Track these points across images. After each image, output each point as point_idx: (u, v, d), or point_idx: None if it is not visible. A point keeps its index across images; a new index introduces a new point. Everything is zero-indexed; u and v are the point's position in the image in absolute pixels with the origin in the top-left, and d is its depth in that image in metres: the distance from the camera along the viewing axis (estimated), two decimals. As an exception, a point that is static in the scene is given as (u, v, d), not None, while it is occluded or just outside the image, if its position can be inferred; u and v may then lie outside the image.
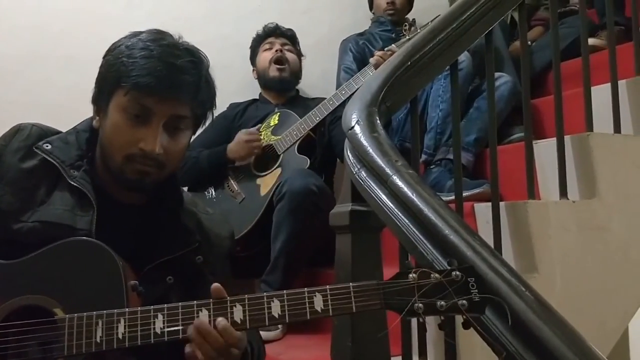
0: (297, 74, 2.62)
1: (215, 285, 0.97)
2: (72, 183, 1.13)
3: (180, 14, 2.75)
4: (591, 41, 2.23)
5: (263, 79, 2.59)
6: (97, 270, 1.02)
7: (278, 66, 2.55)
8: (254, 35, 2.68)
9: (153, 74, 1.09)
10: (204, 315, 0.96)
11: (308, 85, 2.72)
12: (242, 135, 2.33)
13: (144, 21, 2.57)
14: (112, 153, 1.13)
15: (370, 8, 2.98)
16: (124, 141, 1.11)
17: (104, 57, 1.17)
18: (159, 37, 1.14)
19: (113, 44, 1.17)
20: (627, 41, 2.19)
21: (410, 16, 2.92)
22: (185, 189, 2.16)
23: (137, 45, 1.12)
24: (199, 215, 1.27)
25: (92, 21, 2.56)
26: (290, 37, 2.65)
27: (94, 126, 1.19)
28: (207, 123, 1.26)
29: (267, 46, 2.61)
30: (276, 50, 2.57)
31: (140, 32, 1.16)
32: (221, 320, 0.95)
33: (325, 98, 2.39)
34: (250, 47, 2.69)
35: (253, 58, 2.68)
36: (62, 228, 1.08)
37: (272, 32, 2.64)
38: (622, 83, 1.89)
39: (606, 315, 1.77)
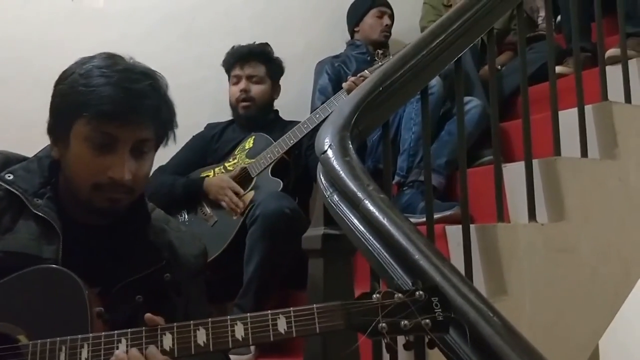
0: (265, 105, 2.52)
1: (147, 315, 0.96)
2: (37, 212, 1.12)
3: (155, 35, 2.75)
4: (558, 69, 2.28)
5: (233, 112, 2.55)
6: (61, 297, 1.02)
7: (244, 104, 2.48)
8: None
9: (114, 102, 1.08)
10: (167, 340, 0.95)
11: (283, 105, 2.71)
12: (221, 182, 2.27)
13: (117, 40, 2.61)
14: (78, 183, 1.12)
15: (353, 27, 2.98)
16: (90, 171, 1.10)
17: (55, 86, 1.15)
18: (113, 63, 1.13)
19: (63, 72, 1.16)
20: (593, 66, 2.24)
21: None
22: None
23: (93, 73, 1.10)
24: (169, 233, 1.26)
25: (66, 39, 2.55)
26: (259, 58, 2.52)
27: (54, 157, 1.17)
28: (169, 142, 1.24)
29: (234, 79, 2.52)
30: (241, 90, 2.48)
31: (92, 58, 1.15)
32: (151, 349, 0.94)
33: (300, 122, 2.40)
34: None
35: (228, 79, 2.61)
36: (28, 258, 1.07)
37: (240, 59, 2.52)
38: (588, 108, 1.93)
39: (576, 335, 1.80)
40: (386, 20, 2.88)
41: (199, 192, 2.30)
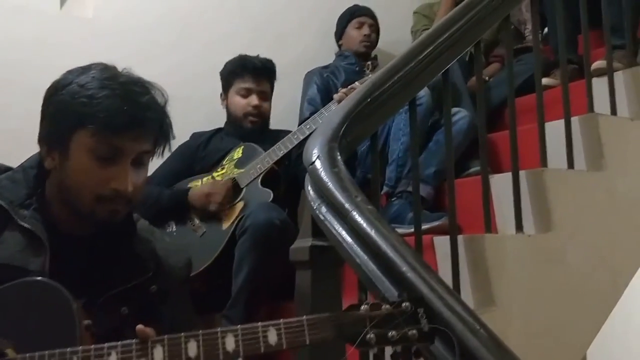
0: (268, 120, 2.53)
1: (139, 327, 0.96)
2: (22, 224, 1.11)
3: (146, 41, 2.74)
4: (545, 81, 2.30)
5: (233, 123, 2.50)
6: (50, 310, 1.01)
7: (253, 119, 2.46)
8: (230, 60, 2.54)
9: (122, 114, 1.09)
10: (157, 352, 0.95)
11: (273, 115, 2.71)
12: (206, 187, 2.28)
13: (108, 49, 2.60)
14: (79, 195, 1.12)
15: (338, 38, 3.01)
16: (94, 182, 1.11)
17: (51, 96, 1.15)
18: (113, 75, 1.14)
19: (57, 81, 1.16)
20: (580, 78, 2.26)
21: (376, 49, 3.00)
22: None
23: (94, 84, 1.11)
24: (154, 244, 1.26)
25: (55, 50, 2.53)
26: (269, 75, 2.50)
27: (47, 167, 1.17)
28: (165, 152, 1.26)
29: (243, 92, 2.46)
30: (254, 106, 2.44)
31: (88, 69, 1.15)
32: None
33: (290, 131, 2.40)
34: (224, 75, 2.55)
35: (224, 85, 2.54)
36: (15, 270, 1.06)
37: (254, 72, 2.47)
38: (575, 119, 1.95)
39: (564, 346, 1.80)
40: (365, 30, 2.88)
41: (184, 204, 2.29)
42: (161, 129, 1.17)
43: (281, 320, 0.95)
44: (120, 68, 1.18)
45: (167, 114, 1.20)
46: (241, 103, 2.46)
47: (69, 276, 1.05)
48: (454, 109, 2.29)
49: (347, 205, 1.19)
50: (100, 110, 1.08)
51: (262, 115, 2.48)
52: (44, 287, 1.02)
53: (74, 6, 2.67)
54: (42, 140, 1.17)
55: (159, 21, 2.82)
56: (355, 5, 3.02)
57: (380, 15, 3.01)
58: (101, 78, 1.12)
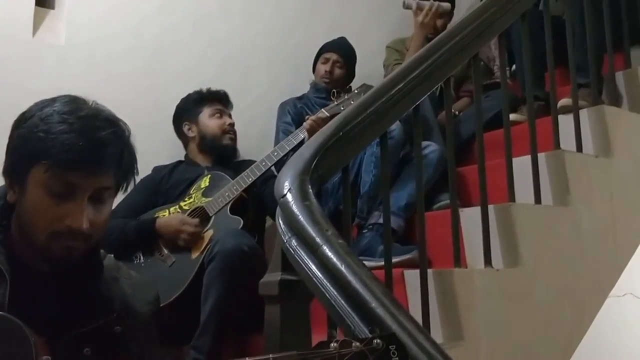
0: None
1: None
2: None
3: (118, 69, 2.73)
4: (512, 116, 2.35)
5: (210, 144, 2.56)
6: (6, 345, 0.97)
7: (231, 135, 2.60)
8: (190, 93, 2.66)
9: (75, 150, 1.06)
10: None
11: (245, 146, 2.73)
12: (178, 222, 2.27)
13: (79, 76, 2.58)
14: (35, 231, 1.09)
15: (314, 70, 3.06)
16: (48, 218, 1.07)
17: (14, 129, 1.13)
18: (76, 108, 1.11)
19: (22, 114, 1.13)
20: (547, 115, 2.32)
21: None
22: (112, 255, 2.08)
23: (54, 119, 1.08)
24: (120, 281, 1.23)
25: (27, 76, 2.49)
26: (230, 106, 2.72)
27: (8, 200, 1.14)
28: (129, 188, 1.23)
29: (218, 113, 2.62)
30: (230, 124, 2.62)
31: (53, 101, 1.12)
32: None
33: (254, 161, 2.42)
34: (190, 103, 2.63)
35: (189, 115, 2.61)
36: None
37: (221, 99, 2.67)
38: (541, 155, 1.99)
39: (531, 380, 1.81)
40: (327, 66, 2.94)
41: (152, 234, 2.27)
42: (120, 165, 1.13)
43: (246, 359, 0.94)
44: (90, 99, 1.15)
45: (130, 149, 1.16)
46: (218, 122, 2.60)
47: (31, 312, 1.02)
48: (424, 143, 2.32)
49: (317, 239, 1.19)
50: (54, 145, 1.05)
51: (235, 136, 2.62)
52: (1, 321, 0.99)
53: (47, 33, 2.65)
54: (4, 173, 1.14)
55: (131, 50, 2.80)
56: (338, 39, 3.05)
57: (357, 46, 3.04)
58: (61, 112, 1.09)
